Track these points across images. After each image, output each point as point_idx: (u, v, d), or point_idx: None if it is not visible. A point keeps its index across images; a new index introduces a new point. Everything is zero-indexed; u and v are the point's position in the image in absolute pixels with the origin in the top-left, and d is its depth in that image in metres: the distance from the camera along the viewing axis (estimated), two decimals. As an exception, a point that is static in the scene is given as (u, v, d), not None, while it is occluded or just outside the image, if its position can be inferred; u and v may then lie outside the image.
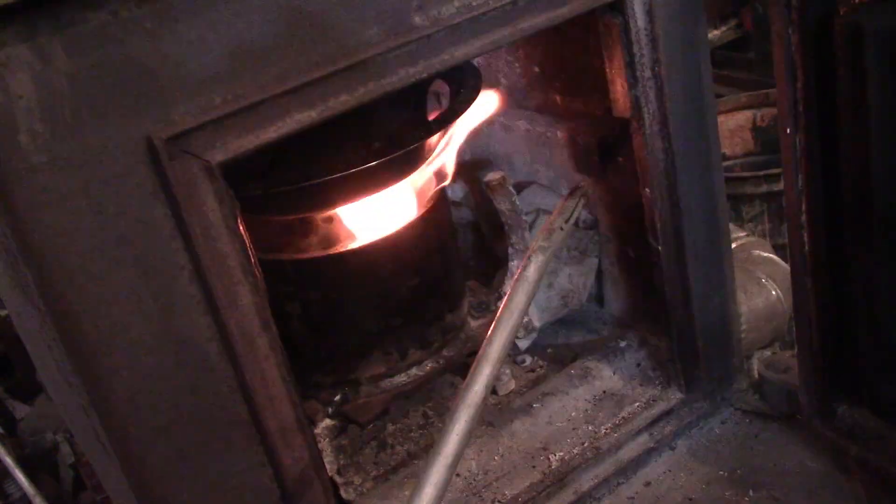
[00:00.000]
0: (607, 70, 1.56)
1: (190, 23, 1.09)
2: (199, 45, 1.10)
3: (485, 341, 1.11)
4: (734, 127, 3.49)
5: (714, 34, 4.79)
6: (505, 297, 1.17)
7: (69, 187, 1.06)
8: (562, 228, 1.35)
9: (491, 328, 1.13)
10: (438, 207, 1.71)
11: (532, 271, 1.25)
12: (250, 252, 1.19)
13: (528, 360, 2.02)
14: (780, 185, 2.86)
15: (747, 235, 2.24)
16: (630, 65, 1.49)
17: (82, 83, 1.03)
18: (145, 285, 1.14)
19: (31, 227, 1.06)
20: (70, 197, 1.06)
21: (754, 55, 5.13)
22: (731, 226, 2.03)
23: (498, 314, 1.15)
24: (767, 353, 2.61)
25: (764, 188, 2.91)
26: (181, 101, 1.10)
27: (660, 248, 1.63)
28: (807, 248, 1.51)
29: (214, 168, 1.12)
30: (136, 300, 1.14)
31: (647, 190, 1.60)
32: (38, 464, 3.02)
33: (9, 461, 2.80)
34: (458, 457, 1.03)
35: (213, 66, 1.11)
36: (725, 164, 3.33)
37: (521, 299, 1.18)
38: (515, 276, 1.23)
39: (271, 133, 1.16)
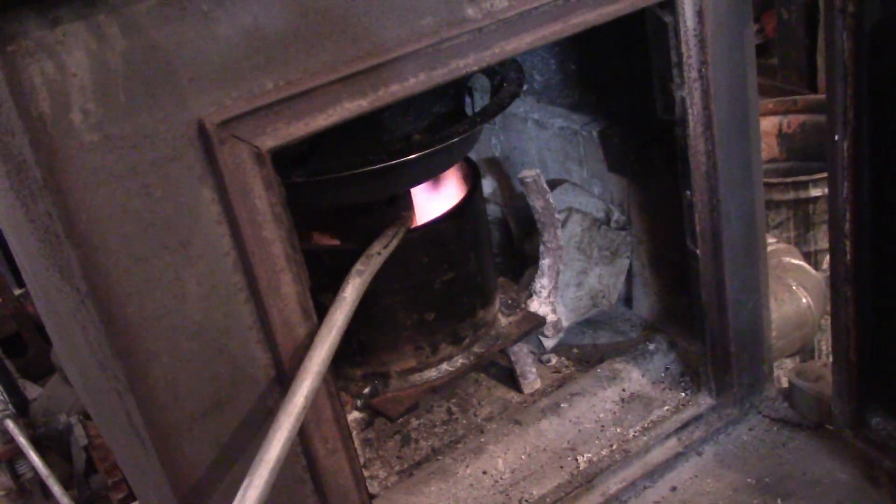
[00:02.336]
0: (653, 70, 1.55)
1: (245, 6, 1.07)
2: (254, 29, 1.08)
3: (305, 357, 1.18)
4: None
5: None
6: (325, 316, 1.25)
7: (119, 168, 1.05)
8: (379, 254, 1.43)
9: (312, 345, 1.20)
10: (474, 202, 1.69)
11: (349, 292, 1.32)
12: (295, 239, 1.18)
13: (554, 359, 2.01)
14: (808, 193, 2.85)
15: (777, 242, 2.22)
16: (678, 65, 1.47)
17: (137, 63, 1.02)
18: (189, 270, 1.13)
19: (79, 208, 1.04)
20: (119, 178, 1.05)
21: (777, 61, 5.11)
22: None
23: (318, 332, 1.22)
24: (788, 362, 2.60)
25: (791, 195, 2.89)
26: (234, 86, 1.09)
27: (698, 251, 1.62)
28: (849, 256, 1.49)
29: (264, 154, 1.11)
30: (179, 285, 1.13)
31: (687, 192, 1.58)
32: (50, 445, 3.02)
33: (22, 441, 2.80)
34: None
35: (267, 51, 1.10)
36: (749, 169, 3.29)
37: (339, 318, 1.24)
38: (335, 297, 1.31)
39: (321, 121, 1.15)
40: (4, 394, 3.15)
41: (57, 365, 3.16)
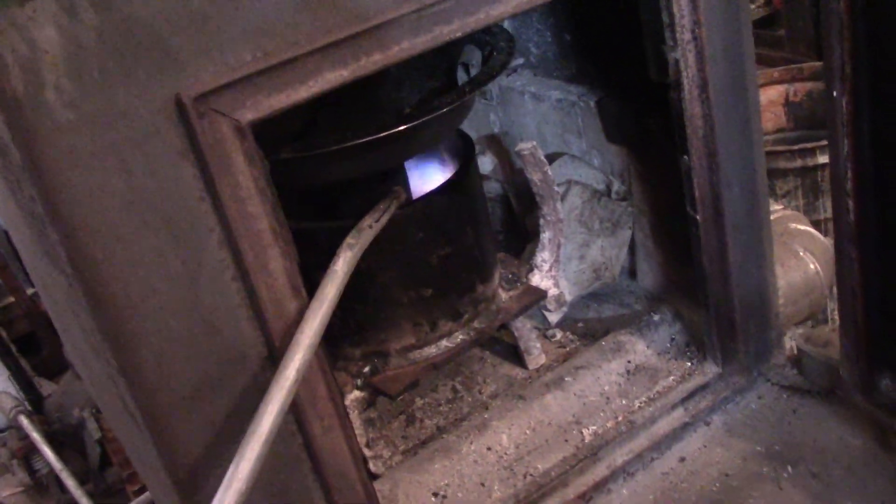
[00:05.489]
0: (644, 33, 1.52)
1: (219, -23, 1.05)
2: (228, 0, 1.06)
3: (297, 330, 1.17)
4: (766, 102, 3.41)
5: (744, 10, 4.70)
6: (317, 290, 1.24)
7: (97, 146, 1.03)
8: (370, 227, 1.41)
9: (303, 318, 1.18)
10: (468, 175, 1.67)
11: (340, 265, 1.30)
12: (281, 215, 1.16)
13: (559, 334, 1.99)
14: (815, 160, 2.80)
15: (784, 208, 2.18)
16: (670, 26, 1.44)
17: (110, 38, 1.00)
18: (174, 248, 1.12)
19: (59, 189, 1.03)
20: (98, 156, 1.03)
21: (784, 32, 5.04)
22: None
23: (309, 304, 1.20)
24: (800, 329, 2.56)
25: (798, 163, 2.84)
26: (210, 58, 1.07)
27: (698, 217, 1.59)
28: (852, 216, 1.46)
29: (244, 127, 1.09)
30: (164, 264, 1.12)
31: (685, 157, 1.55)
32: (65, 440, 3.03)
33: (36, 437, 2.81)
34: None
35: (243, 21, 1.08)
36: (757, 139, 3.25)
37: (331, 291, 1.23)
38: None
39: (302, 92, 1.13)
40: (20, 391, 3.17)
41: (70, 362, 3.17)
